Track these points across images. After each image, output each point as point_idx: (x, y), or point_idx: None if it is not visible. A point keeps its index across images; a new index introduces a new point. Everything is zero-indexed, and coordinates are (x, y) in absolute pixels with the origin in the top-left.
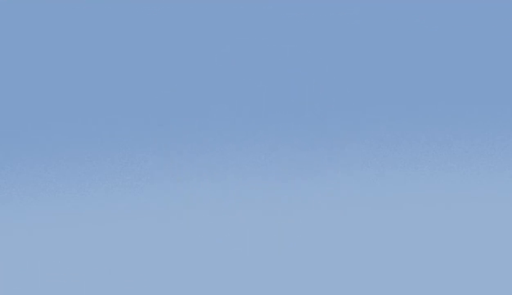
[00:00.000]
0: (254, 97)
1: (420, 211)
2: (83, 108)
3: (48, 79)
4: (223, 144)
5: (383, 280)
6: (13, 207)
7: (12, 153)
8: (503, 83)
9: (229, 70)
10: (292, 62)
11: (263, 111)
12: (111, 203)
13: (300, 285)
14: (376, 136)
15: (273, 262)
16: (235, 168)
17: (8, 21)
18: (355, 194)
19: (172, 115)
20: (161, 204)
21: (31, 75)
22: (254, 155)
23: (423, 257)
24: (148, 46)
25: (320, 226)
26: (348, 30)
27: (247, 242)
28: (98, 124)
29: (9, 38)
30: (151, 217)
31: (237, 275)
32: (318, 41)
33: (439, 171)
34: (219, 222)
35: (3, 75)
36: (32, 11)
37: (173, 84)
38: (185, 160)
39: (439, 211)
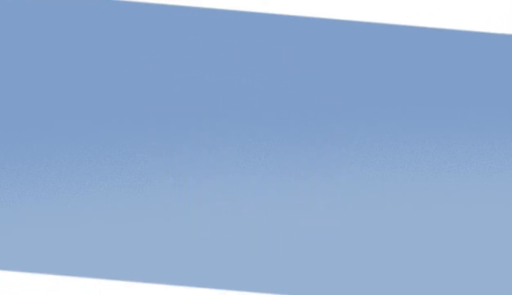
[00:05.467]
0: (254, 97)
1: (420, 211)
2: (83, 108)
3: (48, 79)
4: (223, 144)
5: (383, 280)
6: (13, 207)
7: (12, 153)
8: (504, 83)
9: (230, 69)
10: (291, 61)
11: (263, 112)
12: (111, 203)
13: (300, 284)
14: (376, 136)
15: (272, 261)
16: (235, 168)
17: (7, 22)
18: (355, 194)
19: (172, 115)
20: (161, 204)
21: (31, 74)
22: (254, 155)
23: (423, 257)
24: (148, 46)
25: (320, 226)
26: (348, 29)
27: (247, 242)
28: (98, 124)
29: (9, 39)
30: (151, 217)
31: (237, 275)
32: (318, 40)
33: (439, 171)
34: (219, 222)
35: (3, 76)
36: (32, 12)
37: (173, 84)
38: (184, 159)
39: (439, 211)
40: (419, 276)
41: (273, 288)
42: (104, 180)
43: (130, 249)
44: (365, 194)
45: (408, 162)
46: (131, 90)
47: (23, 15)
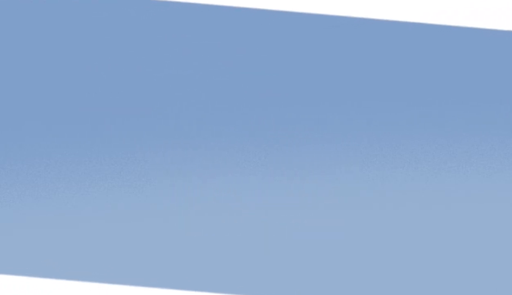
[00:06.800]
0: (255, 97)
1: (420, 211)
2: (83, 108)
3: (48, 79)
4: (223, 144)
5: (383, 280)
6: (13, 207)
7: (12, 153)
8: (503, 84)
9: (230, 70)
10: (292, 60)
11: (264, 111)
12: (111, 203)
13: (299, 285)
14: (376, 136)
15: (273, 262)
16: (235, 168)
17: (8, 21)
18: (355, 194)
19: (172, 115)
20: (161, 204)
21: (31, 75)
22: (254, 155)
23: (423, 257)
24: (148, 45)
25: (320, 226)
26: (349, 28)
27: (247, 242)
28: (98, 124)
29: (9, 39)
30: (151, 217)
31: (237, 275)
32: (319, 40)
33: (439, 171)
34: (219, 222)
35: (3, 76)
36: (32, 11)
37: (173, 83)
38: (185, 159)
39: (439, 211)
40: (419, 276)
41: (273, 289)
42: (104, 180)
43: (130, 250)
44: (365, 194)
45: (408, 162)
46: (131, 90)
47: (21, 12)
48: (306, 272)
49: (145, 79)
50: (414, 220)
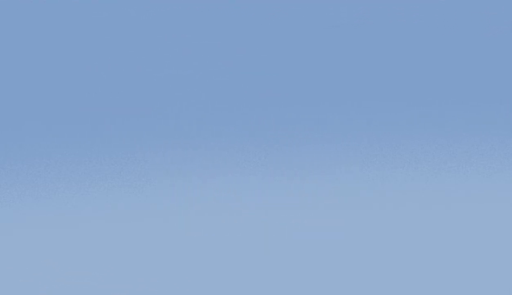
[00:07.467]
0: (255, 97)
1: (420, 211)
2: (83, 108)
3: (48, 79)
4: (223, 144)
5: (383, 281)
6: (13, 207)
7: (12, 153)
8: (503, 84)
9: (230, 70)
10: (292, 61)
11: (263, 111)
12: (111, 203)
13: (300, 285)
14: (376, 136)
15: (273, 262)
16: (235, 168)
17: (8, 21)
18: (355, 194)
19: (172, 115)
20: (161, 204)
21: (31, 75)
22: (254, 155)
23: (423, 257)
24: (148, 45)
25: (320, 226)
26: (351, 28)
27: (247, 242)
28: (98, 124)
29: (9, 38)
30: (151, 217)
31: (237, 275)
32: (320, 39)
33: (439, 171)
34: (219, 222)
35: (3, 75)
36: (32, 11)
37: (173, 83)
38: (185, 159)
39: (439, 211)
40: (419, 276)
41: (273, 289)
42: (104, 180)
43: (130, 250)
44: (365, 194)
45: (408, 162)
46: (131, 90)
47: (24, 15)
48: (306, 272)
49: (145, 79)
50: (414, 220)
